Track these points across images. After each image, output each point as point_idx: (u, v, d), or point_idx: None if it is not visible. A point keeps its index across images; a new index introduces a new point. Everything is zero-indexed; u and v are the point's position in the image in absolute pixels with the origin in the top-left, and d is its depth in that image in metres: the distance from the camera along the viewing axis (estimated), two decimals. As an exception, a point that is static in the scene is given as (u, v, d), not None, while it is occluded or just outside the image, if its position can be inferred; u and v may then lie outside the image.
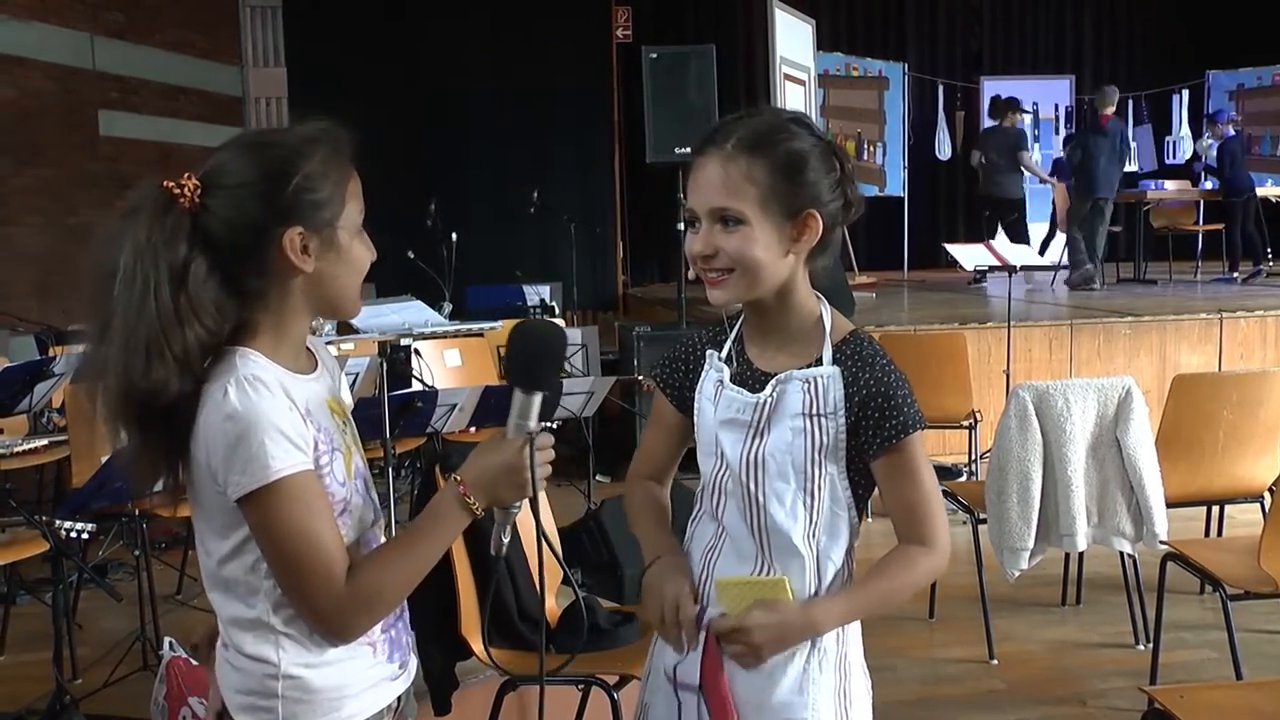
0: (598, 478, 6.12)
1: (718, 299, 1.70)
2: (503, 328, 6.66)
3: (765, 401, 1.69)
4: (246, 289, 1.52)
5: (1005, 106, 11.00)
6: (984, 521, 3.98)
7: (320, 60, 9.99)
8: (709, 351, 1.80)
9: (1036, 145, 12.36)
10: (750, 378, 1.74)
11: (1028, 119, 11.83)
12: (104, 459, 3.77)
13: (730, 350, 1.78)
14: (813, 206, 1.66)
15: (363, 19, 10.12)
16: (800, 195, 1.65)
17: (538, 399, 1.56)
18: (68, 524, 3.42)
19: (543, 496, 3.23)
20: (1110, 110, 9.75)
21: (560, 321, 7.40)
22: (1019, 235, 10.46)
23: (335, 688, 1.55)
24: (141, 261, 1.46)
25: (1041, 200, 11.85)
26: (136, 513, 4.05)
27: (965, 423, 5.69)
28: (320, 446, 1.53)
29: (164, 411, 1.46)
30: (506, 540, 1.61)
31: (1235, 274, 10.21)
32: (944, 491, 4.40)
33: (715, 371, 1.77)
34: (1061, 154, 11.36)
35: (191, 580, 4.89)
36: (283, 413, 1.47)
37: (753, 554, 1.71)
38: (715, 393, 1.76)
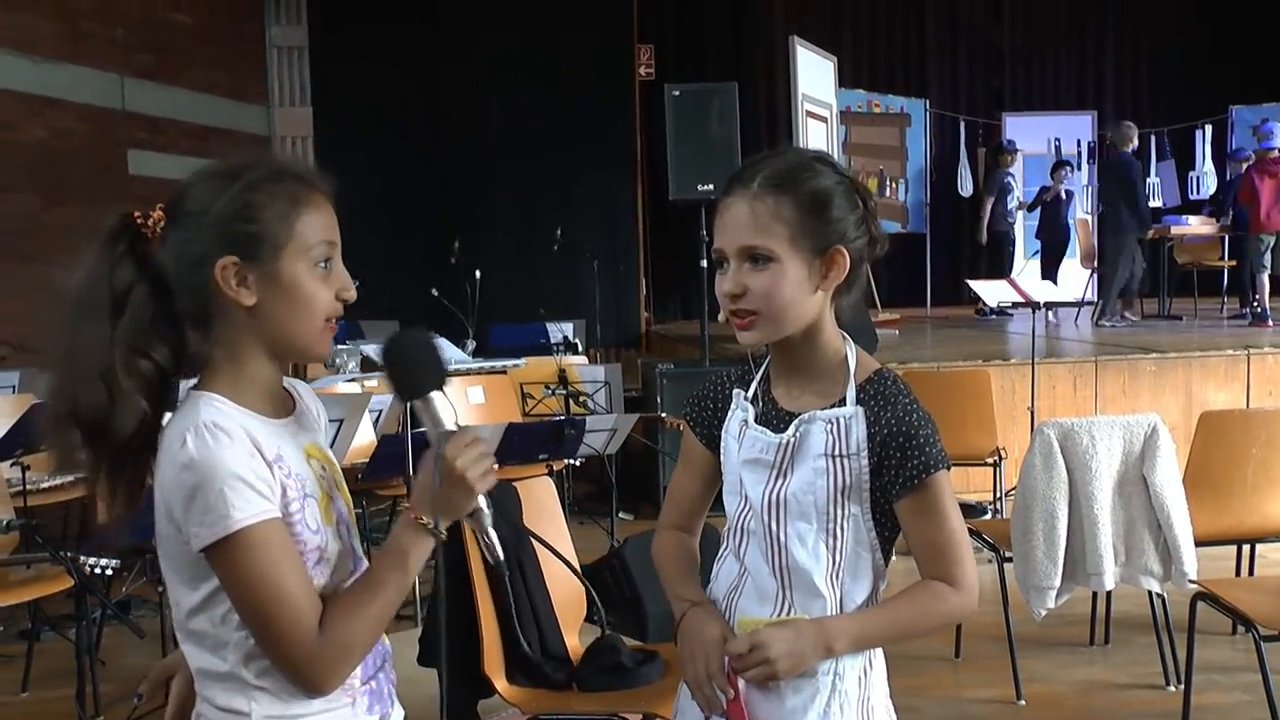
0: (621, 515, 6.10)
1: (747, 340, 1.69)
2: (526, 366, 6.70)
3: (788, 442, 1.69)
4: (191, 323, 1.49)
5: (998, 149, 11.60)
6: (1009, 560, 3.94)
7: (345, 100, 10.12)
8: (736, 390, 1.80)
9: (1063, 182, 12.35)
10: (775, 417, 1.73)
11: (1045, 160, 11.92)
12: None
13: (756, 389, 1.78)
14: (840, 243, 1.66)
15: (387, 58, 10.22)
16: (827, 232, 1.66)
17: (435, 400, 1.51)
18: (92, 560, 3.43)
19: (564, 532, 3.20)
20: (1129, 148, 9.78)
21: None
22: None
23: None
24: (87, 287, 1.46)
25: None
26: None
27: (989, 460, 5.64)
28: (290, 493, 1.48)
29: (111, 440, 1.44)
30: (495, 541, 1.55)
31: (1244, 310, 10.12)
32: (968, 530, 4.38)
33: (741, 411, 1.77)
34: (1060, 187, 11.44)
35: (214, 617, 4.89)
36: (243, 460, 1.42)
37: (774, 594, 1.70)
38: (740, 432, 1.75)
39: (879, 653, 1.75)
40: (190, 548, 1.42)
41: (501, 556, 1.57)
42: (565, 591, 3.09)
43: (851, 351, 1.73)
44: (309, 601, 1.45)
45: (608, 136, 11.16)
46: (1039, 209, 11.52)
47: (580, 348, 8.47)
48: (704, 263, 7.16)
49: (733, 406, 1.79)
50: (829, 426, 1.67)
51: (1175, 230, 10.79)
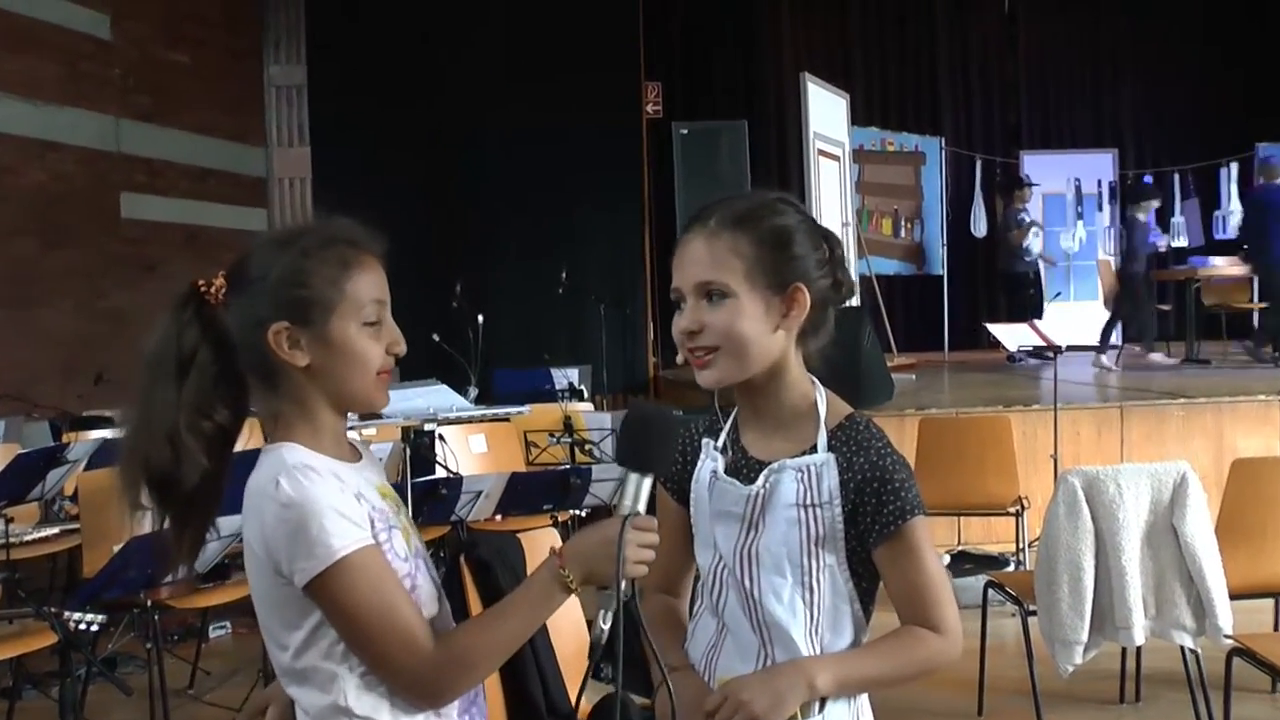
0: (628, 567, 6.04)
1: (706, 380, 1.69)
2: (530, 413, 6.69)
3: (758, 493, 1.67)
4: (258, 381, 1.62)
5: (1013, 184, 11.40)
6: (1034, 613, 3.90)
7: (345, 140, 10.18)
8: (705, 440, 1.79)
9: (1080, 222, 12.38)
10: (745, 467, 1.72)
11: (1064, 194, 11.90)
12: (116, 548, 3.76)
13: (726, 439, 1.76)
14: (800, 280, 1.66)
15: (387, 98, 10.29)
16: (787, 269, 1.66)
17: (647, 482, 1.58)
18: (77, 615, 3.41)
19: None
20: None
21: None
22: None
23: None
24: (158, 351, 1.59)
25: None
26: (149, 603, 4.04)
27: (1011, 509, 5.60)
28: (377, 524, 1.59)
29: (177, 493, 1.56)
30: (605, 627, 1.58)
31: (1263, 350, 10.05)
32: (991, 582, 4.35)
33: (711, 461, 1.76)
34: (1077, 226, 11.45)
35: (205, 674, 4.85)
36: (336, 494, 1.54)
37: (755, 650, 1.68)
38: (710, 483, 1.74)
39: (866, 706, 1.73)
40: (293, 587, 1.52)
41: (602, 643, 1.59)
42: (571, 646, 3.05)
43: (821, 397, 1.72)
44: (417, 620, 1.56)
45: (614, 176, 11.20)
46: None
47: (586, 394, 8.47)
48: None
49: (702, 457, 1.77)
50: (800, 475, 1.66)
51: (1202, 272, 10.76)
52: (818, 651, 1.65)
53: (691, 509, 1.78)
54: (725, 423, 1.78)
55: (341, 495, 1.55)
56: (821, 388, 1.73)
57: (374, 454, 1.81)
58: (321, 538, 1.50)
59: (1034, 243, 11.35)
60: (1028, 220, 11.33)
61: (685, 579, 1.89)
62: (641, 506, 1.57)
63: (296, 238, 1.63)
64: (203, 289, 1.61)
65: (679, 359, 1.82)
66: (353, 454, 1.70)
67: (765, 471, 1.68)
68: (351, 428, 6.10)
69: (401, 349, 1.65)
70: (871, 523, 1.63)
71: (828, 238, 1.72)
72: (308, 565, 1.50)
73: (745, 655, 1.68)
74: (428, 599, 1.64)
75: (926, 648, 1.65)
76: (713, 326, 1.65)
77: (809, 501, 1.65)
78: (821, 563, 1.65)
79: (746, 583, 1.67)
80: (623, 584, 1.54)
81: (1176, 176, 12.54)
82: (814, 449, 1.67)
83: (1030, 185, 11.62)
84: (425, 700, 1.58)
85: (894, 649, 1.66)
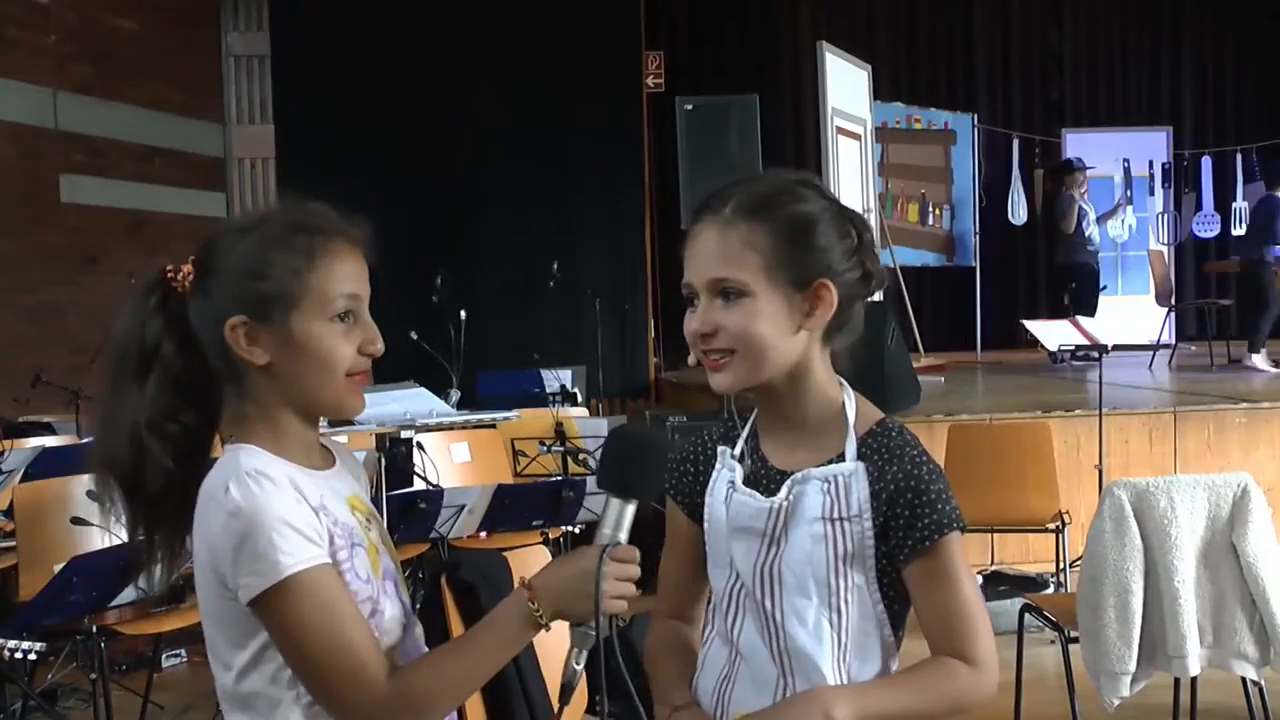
0: (626, 591, 6.06)
1: (720, 384, 1.70)
2: (518, 419, 6.70)
3: (780, 506, 1.68)
4: (226, 379, 1.64)
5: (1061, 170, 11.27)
6: (1076, 640, 3.91)
7: (313, 115, 10.18)
8: (720, 448, 1.79)
9: (1130, 207, 12.38)
10: (766, 477, 1.72)
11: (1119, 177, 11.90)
12: (57, 568, 3.77)
13: (744, 447, 1.77)
14: (825, 276, 1.66)
15: (361, 69, 10.29)
16: (810, 263, 1.66)
17: (630, 508, 1.61)
18: (12, 643, 3.42)
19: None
20: None
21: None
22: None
23: None
24: (122, 341, 1.62)
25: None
26: (94, 629, 4.04)
27: (1051, 526, 5.61)
28: (337, 541, 1.59)
29: (144, 500, 1.59)
30: (578, 668, 1.62)
31: None
32: (1028, 605, 4.36)
33: (727, 471, 1.76)
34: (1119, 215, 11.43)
35: (157, 708, 4.86)
36: (290, 506, 1.54)
37: (773, 680, 1.69)
38: (727, 495, 1.74)
39: None
40: (238, 602, 1.53)
41: (574, 685, 1.63)
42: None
43: (850, 400, 1.73)
44: (371, 648, 1.55)
45: (611, 156, 11.20)
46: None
47: (580, 398, 8.48)
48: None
49: (717, 466, 1.78)
50: (826, 486, 1.66)
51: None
52: (844, 680, 1.66)
53: (706, 525, 1.78)
54: (743, 429, 1.79)
55: (297, 507, 1.55)
56: (850, 391, 1.74)
57: (355, 460, 1.83)
58: (268, 552, 1.50)
59: (1095, 231, 11.24)
60: (1084, 208, 11.22)
61: (698, 603, 1.89)
62: (623, 535, 1.60)
63: (259, 223, 1.65)
64: (170, 276, 1.63)
65: (690, 360, 1.84)
66: (325, 460, 1.71)
67: (788, 482, 1.68)
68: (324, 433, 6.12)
69: (377, 348, 1.66)
70: (903, 537, 1.64)
71: (854, 221, 1.72)
72: (252, 581, 1.51)
73: (762, 687, 1.69)
74: (391, 626, 1.64)
75: (957, 681, 1.65)
76: (727, 328, 1.66)
77: (836, 515, 1.65)
78: (850, 582, 1.66)
79: (767, 604, 1.68)
80: (602, 621, 1.58)
81: (1239, 156, 12.54)
82: (841, 457, 1.68)
83: (1083, 169, 11.54)
84: None
85: (921, 681, 1.66)
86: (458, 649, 1.63)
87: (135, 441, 1.57)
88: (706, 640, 1.80)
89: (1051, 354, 10.16)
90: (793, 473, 1.69)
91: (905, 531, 1.64)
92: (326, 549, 1.56)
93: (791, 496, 1.67)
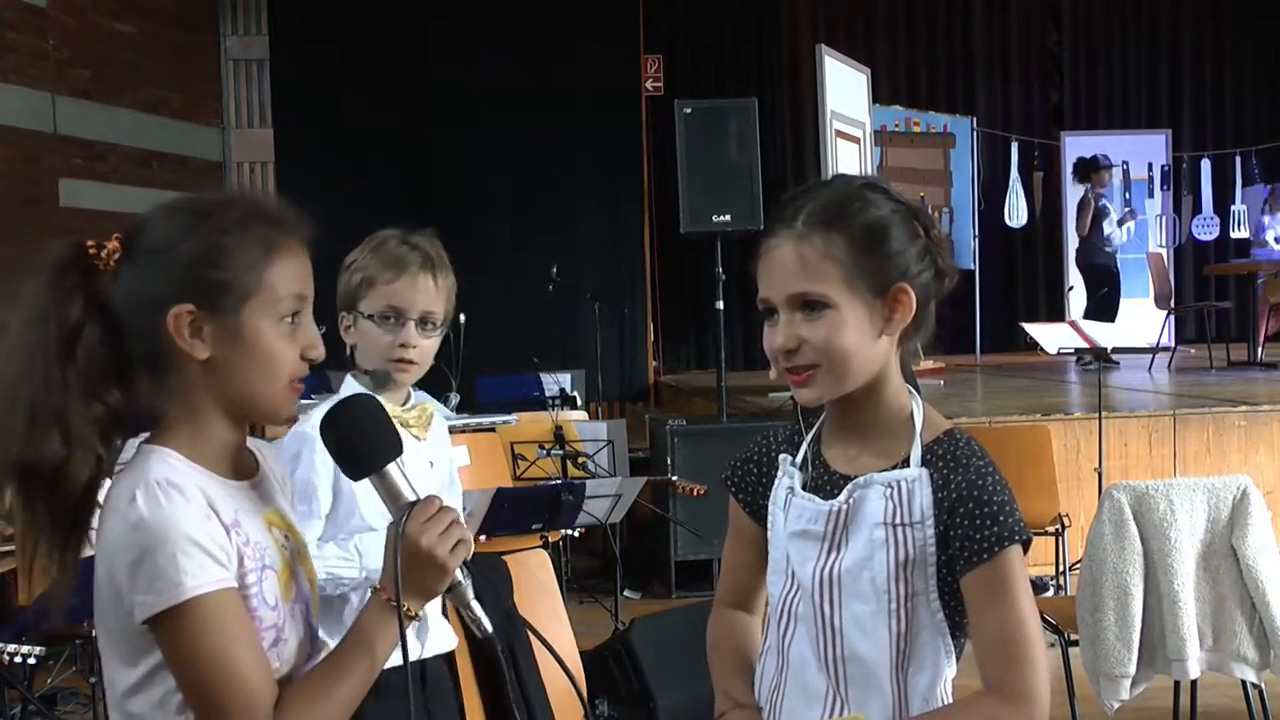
0: (626, 593, 6.07)
1: (807, 398, 1.69)
2: (517, 422, 6.70)
3: (841, 509, 1.67)
4: (145, 370, 1.53)
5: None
6: (1075, 644, 3.91)
7: (311, 119, 10.19)
8: (782, 456, 1.79)
9: (1129, 210, 12.39)
10: (827, 482, 1.72)
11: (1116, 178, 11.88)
12: (58, 572, 3.76)
13: (807, 451, 1.76)
14: (903, 280, 1.66)
15: (360, 73, 10.30)
16: (887, 269, 1.66)
17: (390, 472, 1.56)
18: (11, 647, 3.41)
19: (562, 613, 3.22)
20: None
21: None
22: None
23: None
24: (33, 323, 1.49)
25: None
26: (94, 634, 4.04)
27: (1051, 529, 5.62)
28: (247, 562, 1.51)
29: (61, 492, 1.47)
30: (481, 614, 1.59)
31: None
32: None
33: (788, 478, 1.75)
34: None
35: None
36: (198, 522, 1.46)
37: (823, 691, 1.68)
38: (786, 500, 1.74)
39: None
40: (133, 618, 1.44)
41: (490, 629, 1.59)
42: (563, 682, 3.06)
43: (918, 407, 1.72)
44: (264, 682, 1.47)
45: (610, 160, 11.22)
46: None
47: (579, 402, 8.48)
48: (720, 304, 7.17)
49: (780, 473, 1.78)
50: (888, 491, 1.66)
51: (1266, 265, 10.78)
52: (901, 689, 1.65)
53: (769, 530, 1.78)
54: (807, 433, 1.78)
55: (207, 523, 1.47)
56: (919, 398, 1.74)
57: (280, 468, 1.74)
58: (169, 572, 1.42)
59: (1115, 232, 11.17)
60: (1106, 206, 11.15)
61: (759, 593, 1.88)
62: (409, 496, 1.55)
63: (213, 209, 1.54)
64: (92, 251, 1.52)
65: (772, 375, 1.83)
66: (244, 470, 1.62)
67: (849, 486, 1.68)
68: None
69: (319, 354, 1.58)
70: (964, 546, 1.62)
71: (922, 219, 1.71)
72: (148, 600, 1.43)
73: (811, 699, 1.69)
74: (292, 655, 1.57)
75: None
76: (812, 342, 1.65)
77: (898, 520, 1.64)
78: (910, 589, 1.64)
79: (826, 609, 1.67)
80: (459, 574, 1.55)
81: (1238, 159, 12.55)
82: (905, 463, 1.67)
83: (1109, 166, 11.43)
84: None
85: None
86: (332, 673, 1.53)
87: (63, 426, 1.45)
88: (764, 652, 1.79)
89: (1081, 360, 10.08)
90: (855, 477, 1.69)
91: (965, 541, 1.62)
92: (234, 570, 1.48)
93: (852, 500, 1.67)
